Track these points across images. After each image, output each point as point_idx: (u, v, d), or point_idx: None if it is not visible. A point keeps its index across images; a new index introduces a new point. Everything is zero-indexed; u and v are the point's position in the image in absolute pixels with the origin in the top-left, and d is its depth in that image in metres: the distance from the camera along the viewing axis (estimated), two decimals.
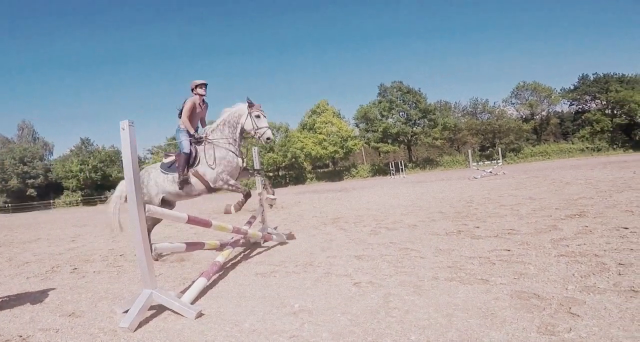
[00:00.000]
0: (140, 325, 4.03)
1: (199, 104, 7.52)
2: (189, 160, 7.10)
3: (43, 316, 4.67)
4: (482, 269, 5.00)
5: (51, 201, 68.17)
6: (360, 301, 4.23)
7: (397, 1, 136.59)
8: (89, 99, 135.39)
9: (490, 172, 28.73)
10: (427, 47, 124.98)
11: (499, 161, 30.86)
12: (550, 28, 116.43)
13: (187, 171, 7.10)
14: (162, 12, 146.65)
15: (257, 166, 8.90)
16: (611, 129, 59.32)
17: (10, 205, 65.76)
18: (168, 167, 7.41)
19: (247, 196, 7.13)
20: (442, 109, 65.31)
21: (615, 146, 57.45)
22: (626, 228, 6.29)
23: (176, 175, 7.13)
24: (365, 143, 64.63)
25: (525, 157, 58.87)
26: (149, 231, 8.22)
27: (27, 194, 68.88)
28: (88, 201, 66.19)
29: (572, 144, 60.52)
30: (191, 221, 5.30)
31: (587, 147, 58.29)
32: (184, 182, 7.07)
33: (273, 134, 7.36)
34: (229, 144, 7.08)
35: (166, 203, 7.73)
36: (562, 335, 2.98)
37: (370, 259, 6.12)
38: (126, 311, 4.25)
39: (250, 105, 7.06)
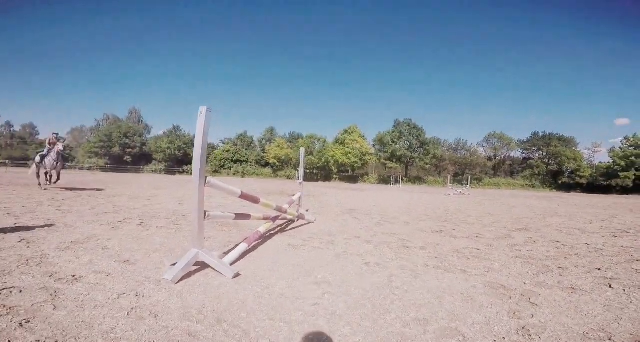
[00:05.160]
0: (182, 278, 3.55)
1: None
2: None
3: (101, 260, 4.08)
4: (461, 262, 4.69)
5: (141, 167, 68.63)
6: (369, 278, 3.87)
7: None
8: (182, 94, 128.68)
9: (460, 192, 29.68)
10: (435, 96, 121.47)
11: (466, 185, 31.21)
12: (522, 96, 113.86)
13: None
14: None
15: (301, 162, 8.61)
16: (544, 173, 61.92)
17: (109, 165, 66.94)
18: None
19: None
20: (434, 143, 65.16)
21: (545, 186, 59.33)
22: (559, 242, 6.41)
23: None
24: (377, 159, 64.80)
25: (484, 185, 59.21)
26: None
27: (124, 159, 69.48)
28: (169, 171, 66.53)
29: (516, 180, 62.45)
30: (243, 196, 4.77)
31: (526, 184, 59.95)
32: None
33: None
34: None
35: None
36: (527, 320, 2.86)
37: (376, 244, 5.75)
38: (174, 264, 3.72)
39: None
